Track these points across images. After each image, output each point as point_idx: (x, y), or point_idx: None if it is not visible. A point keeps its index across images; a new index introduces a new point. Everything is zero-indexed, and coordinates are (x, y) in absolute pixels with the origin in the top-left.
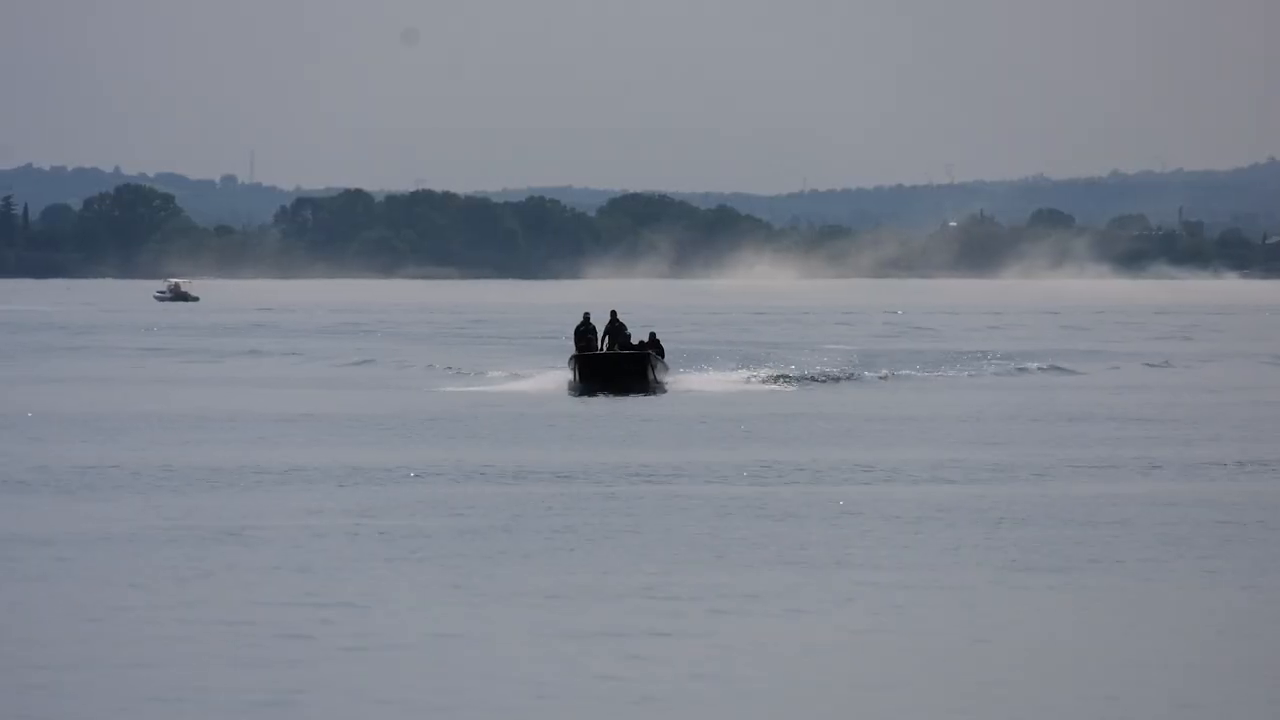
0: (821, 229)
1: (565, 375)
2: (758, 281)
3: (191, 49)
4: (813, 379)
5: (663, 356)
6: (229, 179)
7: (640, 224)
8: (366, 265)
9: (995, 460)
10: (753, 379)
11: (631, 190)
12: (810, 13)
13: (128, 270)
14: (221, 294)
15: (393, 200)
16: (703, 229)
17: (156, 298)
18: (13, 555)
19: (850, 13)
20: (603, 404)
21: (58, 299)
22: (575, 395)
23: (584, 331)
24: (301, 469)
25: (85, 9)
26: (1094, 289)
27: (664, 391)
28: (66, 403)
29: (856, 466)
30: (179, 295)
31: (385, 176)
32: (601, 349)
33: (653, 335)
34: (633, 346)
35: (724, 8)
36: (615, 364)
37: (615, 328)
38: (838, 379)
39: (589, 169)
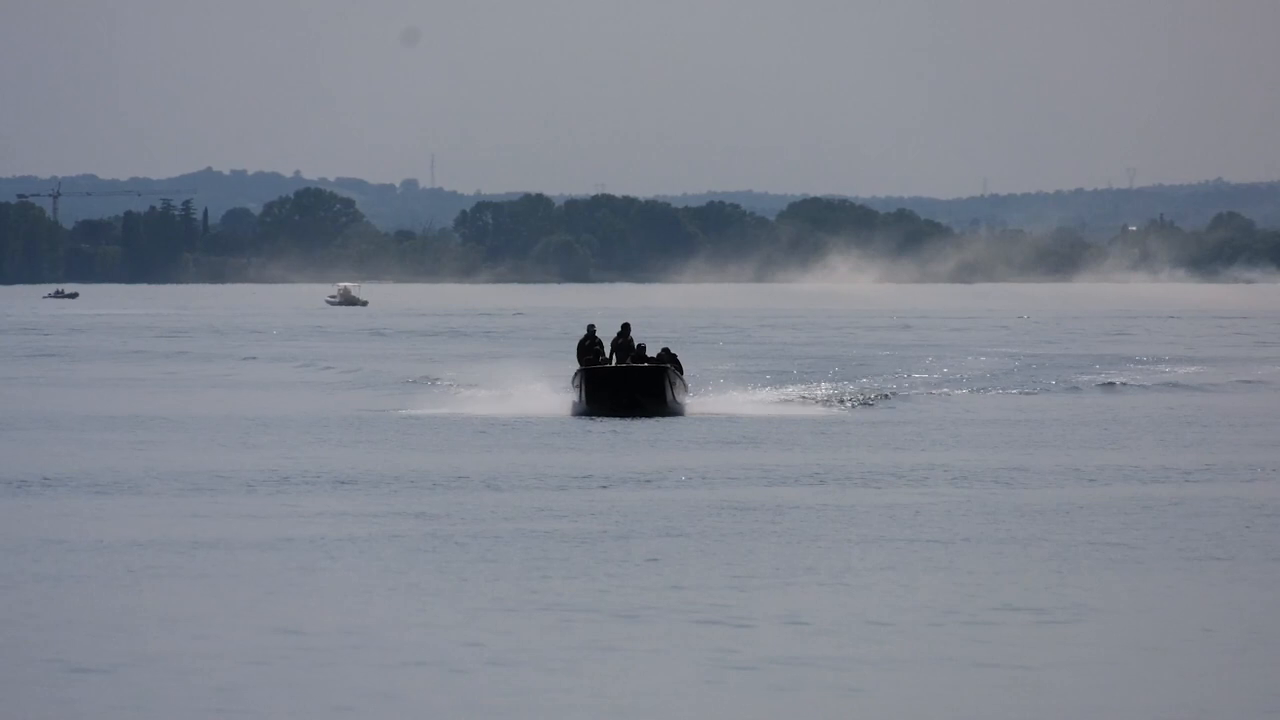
0: (1001, 232)
1: (570, 396)
2: (878, 286)
3: (373, 55)
4: (850, 401)
5: (681, 374)
6: (409, 183)
7: (820, 228)
8: (546, 269)
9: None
10: (787, 399)
11: (812, 194)
12: (981, 15)
13: (307, 274)
14: (390, 299)
15: (573, 204)
16: (885, 233)
17: (328, 302)
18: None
19: (1023, 15)
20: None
21: (201, 304)
22: (580, 416)
23: (589, 346)
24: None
25: (263, 14)
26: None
27: (682, 414)
28: (96, 405)
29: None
30: (348, 300)
31: (565, 180)
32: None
33: (666, 350)
34: (649, 361)
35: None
36: (627, 379)
37: (625, 344)
38: (876, 400)
39: (768, 173)
